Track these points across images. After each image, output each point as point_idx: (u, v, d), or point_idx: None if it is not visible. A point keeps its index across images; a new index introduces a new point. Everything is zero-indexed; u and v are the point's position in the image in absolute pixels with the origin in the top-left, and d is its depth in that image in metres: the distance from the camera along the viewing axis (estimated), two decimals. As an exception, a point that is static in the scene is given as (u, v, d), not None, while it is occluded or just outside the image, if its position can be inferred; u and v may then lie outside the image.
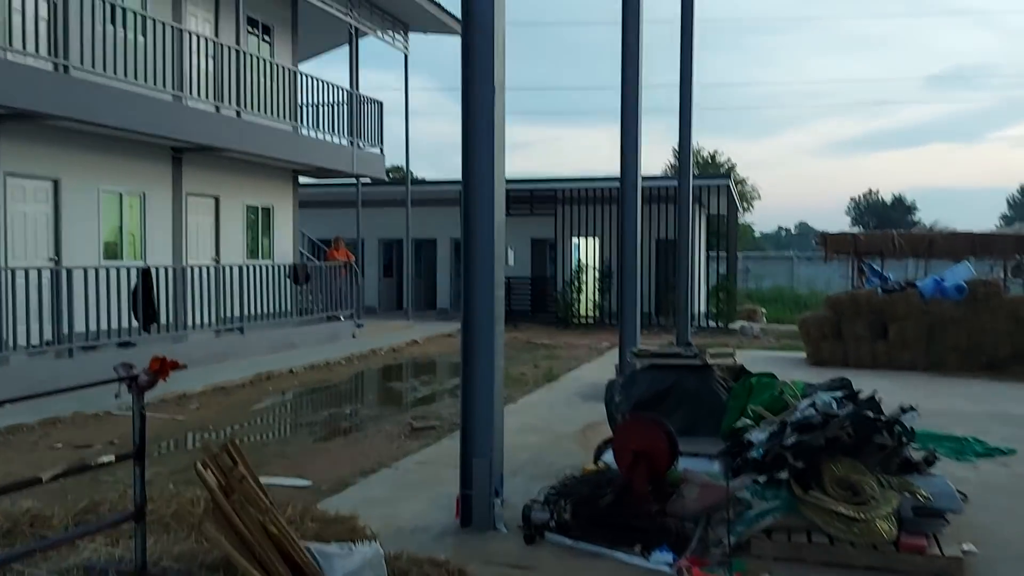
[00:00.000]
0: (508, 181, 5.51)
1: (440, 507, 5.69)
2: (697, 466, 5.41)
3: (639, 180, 10.06)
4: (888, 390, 10.64)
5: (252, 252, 16.42)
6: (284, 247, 17.48)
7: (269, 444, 8.46)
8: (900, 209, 67.33)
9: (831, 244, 18.31)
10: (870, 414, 5.02)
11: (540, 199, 21.76)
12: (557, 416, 9.10)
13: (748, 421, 5.51)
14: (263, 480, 6.92)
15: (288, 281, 15.51)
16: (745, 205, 47.36)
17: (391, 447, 8.07)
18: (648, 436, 5.10)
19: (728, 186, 20.60)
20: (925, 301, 12.76)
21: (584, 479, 5.31)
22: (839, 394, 5.33)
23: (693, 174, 14.92)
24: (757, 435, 5.25)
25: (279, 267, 15.44)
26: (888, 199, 70.70)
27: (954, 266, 13.46)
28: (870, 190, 73.41)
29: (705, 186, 19.30)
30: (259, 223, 16.77)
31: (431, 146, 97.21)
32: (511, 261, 17.18)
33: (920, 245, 17.21)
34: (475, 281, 5.30)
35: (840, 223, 73.12)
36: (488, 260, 5.28)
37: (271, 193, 17.02)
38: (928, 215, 67.33)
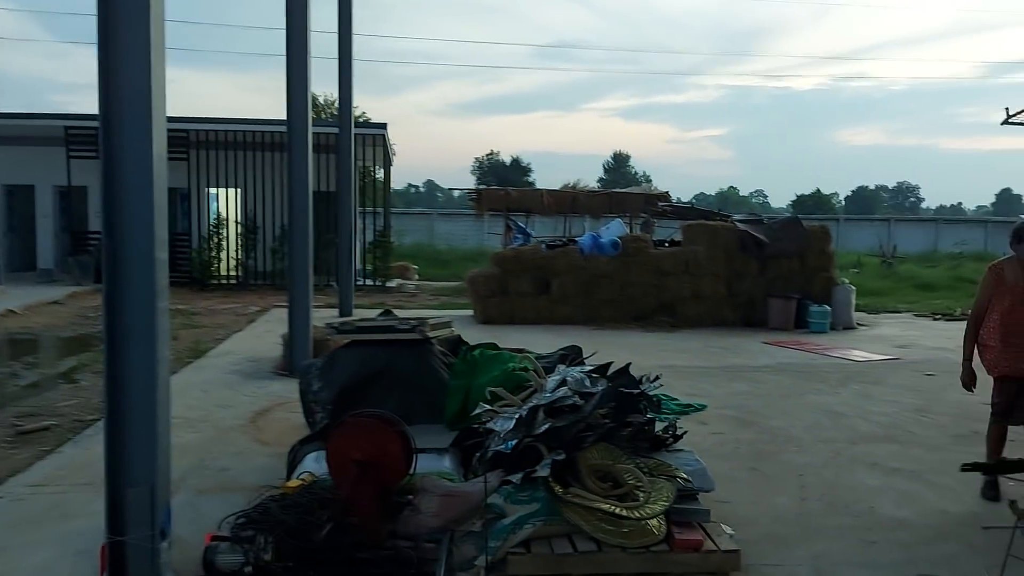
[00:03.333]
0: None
1: (76, 555, 4.05)
2: (423, 464, 4.40)
3: (309, 126, 8.68)
4: (558, 345, 10.70)
5: None
6: None
7: None
8: (518, 170, 72.40)
9: (485, 200, 18.37)
10: (628, 390, 4.40)
11: (169, 142, 18.86)
12: (216, 402, 7.50)
13: (485, 406, 4.61)
14: None
15: None
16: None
17: (-13, 462, 5.91)
18: (377, 440, 3.96)
19: (384, 136, 19.61)
20: (584, 256, 13.08)
21: (287, 501, 4.00)
22: (589, 368, 4.65)
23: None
24: (501, 423, 4.38)
25: None
26: (508, 160, 75.66)
27: (610, 223, 14.01)
28: (491, 151, 77.89)
29: (359, 136, 18.11)
30: None
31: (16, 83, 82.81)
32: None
33: (565, 202, 17.93)
34: (124, 239, 3.68)
35: (466, 182, 76.87)
36: (144, 209, 3.70)
37: None
38: (541, 176, 73.59)
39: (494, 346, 5.54)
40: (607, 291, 13.16)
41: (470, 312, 13.85)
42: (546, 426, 4.16)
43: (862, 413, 7.17)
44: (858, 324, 13.03)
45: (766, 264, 13.09)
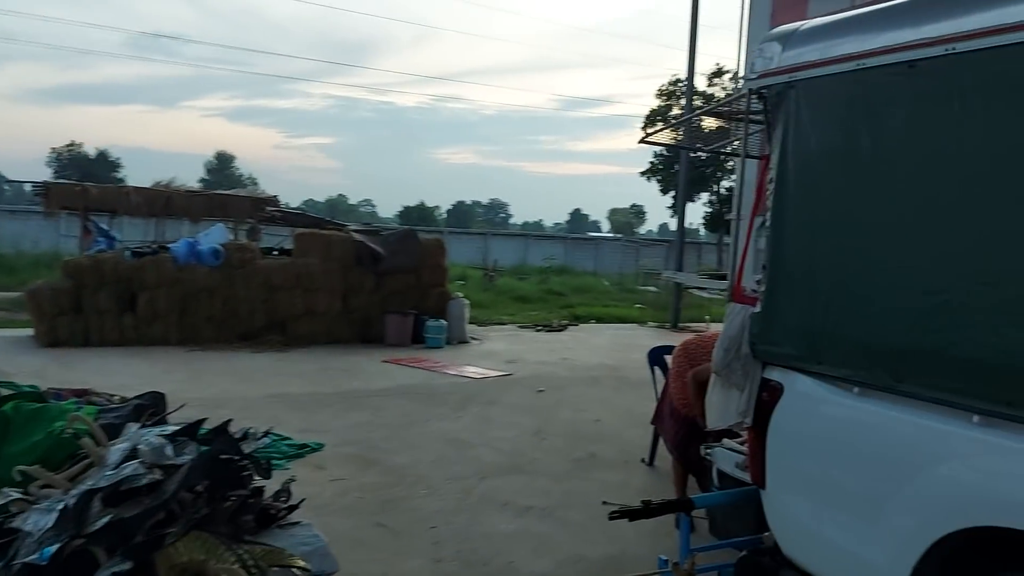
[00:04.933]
0: None
1: None
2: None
3: None
4: (146, 374, 9.02)
5: None
6: None
7: None
8: (105, 165, 65.57)
9: (55, 196, 15.46)
10: (228, 457, 3.34)
11: None
12: None
13: (12, 492, 3.22)
14: None
15: None
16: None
17: None
18: None
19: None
20: (179, 267, 11.39)
21: None
22: (174, 427, 3.48)
23: None
24: (36, 518, 3.05)
25: None
26: (93, 154, 67.90)
27: (211, 228, 12.42)
28: (73, 142, 69.13)
29: None
30: None
31: None
32: None
33: (158, 202, 15.79)
34: None
35: (41, 174, 67.20)
36: None
37: None
38: (132, 173, 67.20)
39: (38, 396, 4.07)
40: (208, 307, 11.59)
41: (32, 332, 11.30)
42: (106, 519, 2.96)
43: (485, 440, 6.84)
44: (471, 338, 13.12)
45: (382, 279, 12.60)
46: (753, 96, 3.47)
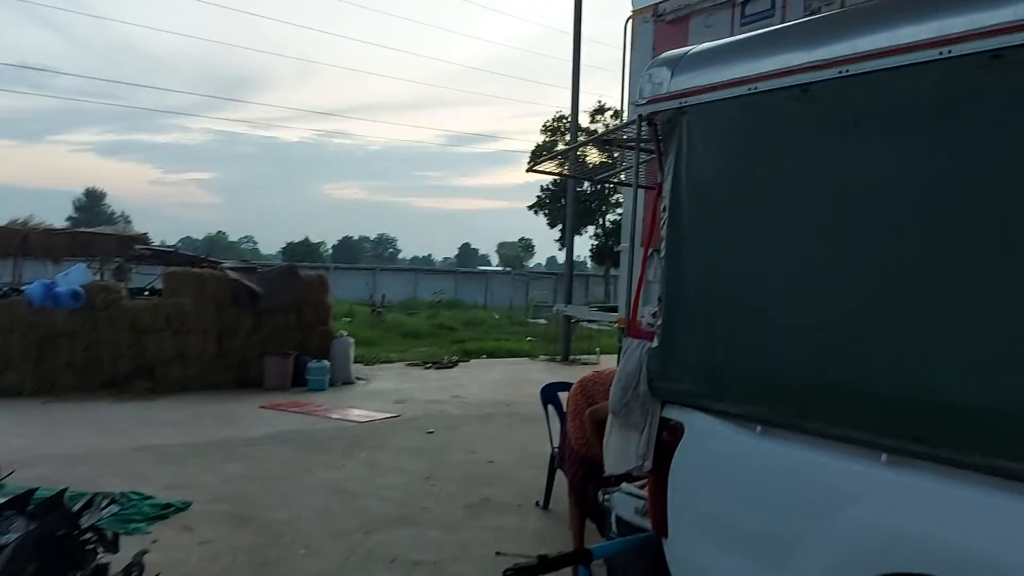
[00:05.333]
0: None
1: None
2: None
3: None
4: (-5, 429, 8.22)
5: None
6: None
7: None
8: None
9: None
10: (63, 532, 2.88)
11: None
12: None
13: None
14: None
15: None
16: None
17: None
18: None
19: None
20: (34, 310, 10.47)
21: None
22: (-4, 504, 2.99)
23: None
24: None
25: None
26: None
27: (70, 269, 11.50)
28: (-75, 178, 64.55)
29: None
30: None
31: None
32: None
33: (12, 242, 14.62)
34: None
35: None
36: None
37: None
38: (-6, 211, 63.23)
39: None
40: (68, 352, 10.69)
41: None
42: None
43: (372, 489, 6.44)
44: (356, 378, 12.62)
45: (261, 318, 11.97)
46: (643, 123, 3.34)
